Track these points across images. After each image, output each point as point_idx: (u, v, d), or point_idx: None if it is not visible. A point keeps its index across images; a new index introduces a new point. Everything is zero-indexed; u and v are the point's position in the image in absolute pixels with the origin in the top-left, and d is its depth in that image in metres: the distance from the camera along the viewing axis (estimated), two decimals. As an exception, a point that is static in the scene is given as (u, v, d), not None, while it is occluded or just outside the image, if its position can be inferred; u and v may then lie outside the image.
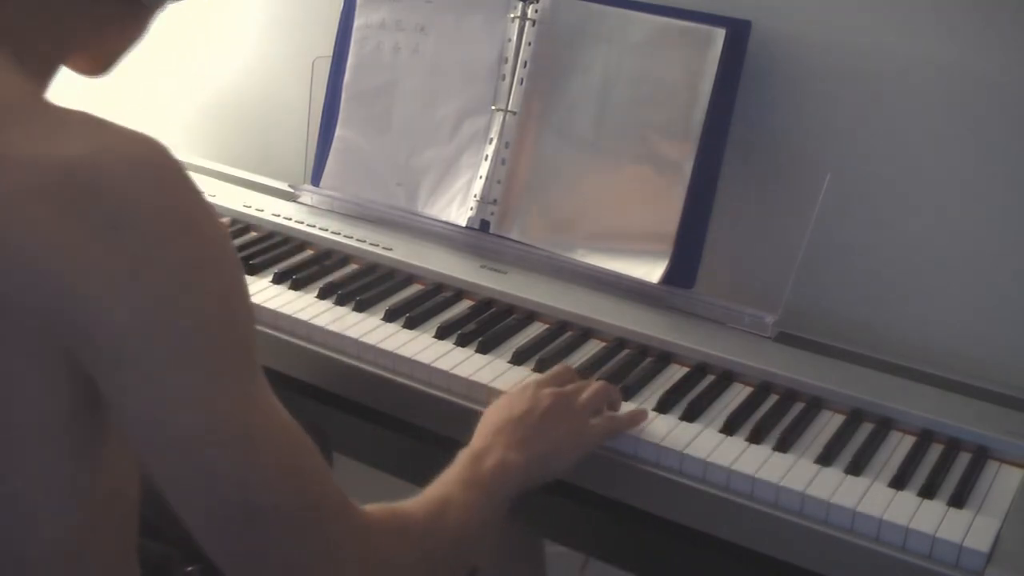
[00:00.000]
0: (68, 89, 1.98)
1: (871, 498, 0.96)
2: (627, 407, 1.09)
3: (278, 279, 1.33)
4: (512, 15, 1.36)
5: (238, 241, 1.44)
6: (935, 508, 0.95)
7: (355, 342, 1.19)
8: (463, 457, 0.95)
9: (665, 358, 1.19)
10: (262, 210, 1.48)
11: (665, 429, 1.06)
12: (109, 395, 0.70)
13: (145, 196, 0.67)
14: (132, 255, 0.66)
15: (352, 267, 1.38)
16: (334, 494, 0.77)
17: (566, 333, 1.24)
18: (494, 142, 1.37)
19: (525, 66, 1.35)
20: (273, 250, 1.41)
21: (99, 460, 0.75)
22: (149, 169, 0.68)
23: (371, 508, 0.81)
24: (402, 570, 0.81)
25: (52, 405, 0.71)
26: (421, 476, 0.92)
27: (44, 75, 0.78)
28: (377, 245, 1.38)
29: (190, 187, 0.70)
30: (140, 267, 0.67)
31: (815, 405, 1.11)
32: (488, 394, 1.10)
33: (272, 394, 0.74)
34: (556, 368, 1.09)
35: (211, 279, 0.70)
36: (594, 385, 1.05)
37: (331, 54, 1.48)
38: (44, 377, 0.69)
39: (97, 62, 0.82)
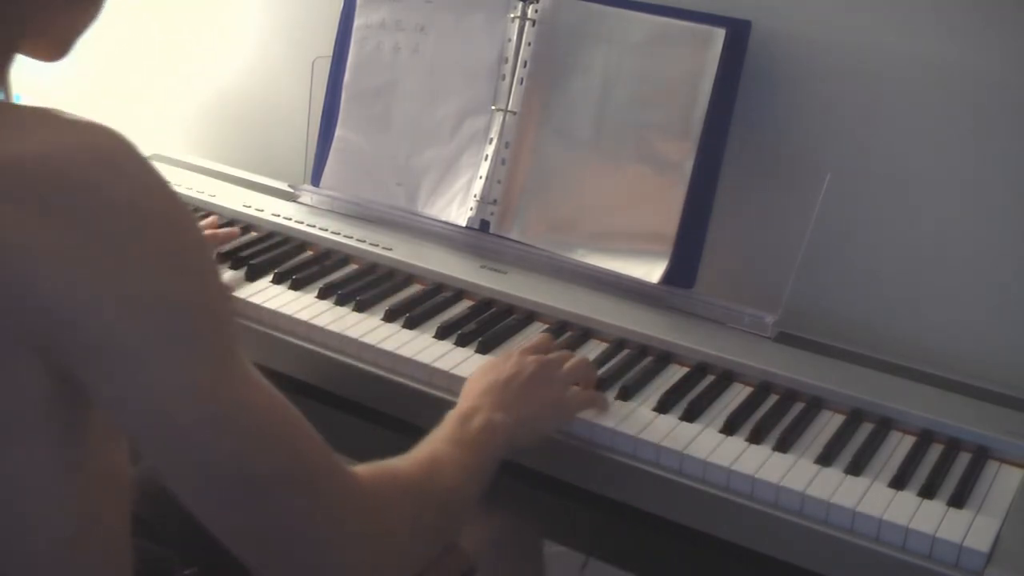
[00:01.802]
0: (69, 89, 1.99)
1: (871, 498, 0.96)
2: (627, 407, 1.09)
3: (278, 279, 1.33)
4: (512, 15, 1.36)
5: (238, 241, 1.44)
6: (935, 508, 0.95)
7: (355, 342, 1.19)
8: (450, 418, 0.96)
9: (665, 358, 1.19)
10: (262, 210, 1.48)
11: (665, 429, 1.06)
12: (91, 386, 0.70)
13: (108, 187, 0.67)
14: (100, 248, 0.66)
15: (352, 267, 1.38)
16: (325, 457, 0.77)
17: (566, 333, 1.24)
18: (494, 142, 1.37)
19: (525, 66, 1.35)
20: (273, 250, 1.41)
21: (86, 448, 0.75)
22: (110, 160, 0.68)
23: (363, 468, 0.82)
24: (398, 524, 0.82)
25: (32, 400, 0.71)
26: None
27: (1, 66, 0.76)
28: (377, 245, 1.38)
29: (152, 175, 0.70)
30: (110, 259, 0.66)
31: (815, 405, 1.11)
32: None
33: (253, 367, 0.75)
34: (538, 337, 1.11)
35: (183, 263, 0.70)
36: (575, 359, 1.07)
37: (331, 54, 1.48)
38: (21, 374, 0.69)
39: (53, 48, 0.81)
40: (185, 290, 0.70)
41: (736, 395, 1.13)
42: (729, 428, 1.06)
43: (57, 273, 0.66)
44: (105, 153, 0.68)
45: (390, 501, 0.82)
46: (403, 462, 0.87)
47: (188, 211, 0.73)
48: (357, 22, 1.46)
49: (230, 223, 1.48)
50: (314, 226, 1.43)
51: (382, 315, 1.24)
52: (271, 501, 0.74)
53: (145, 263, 0.68)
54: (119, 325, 0.67)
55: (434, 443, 0.92)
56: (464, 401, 1.00)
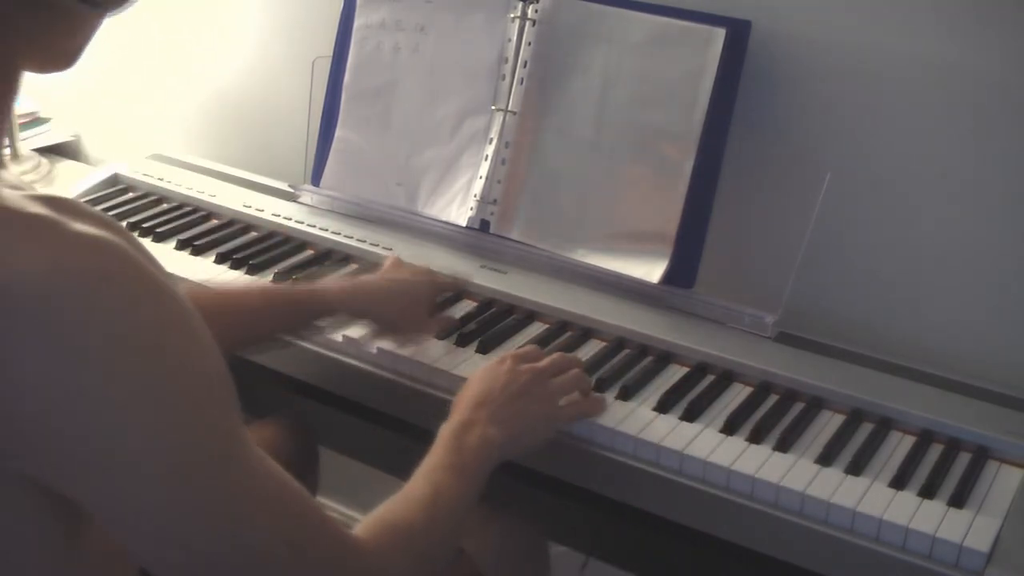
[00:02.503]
0: (70, 89, 1.99)
1: (871, 498, 0.96)
2: (627, 407, 1.09)
3: (278, 279, 1.33)
4: (512, 15, 1.36)
5: (238, 241, 1.44)
6: (935, 508, 0.95)
7: (355, 341, 1.19)
8: (446, 435, 0.96)
9: (665, 358, 1.19)
10: (262, 210, 1.48)
11: (665, 429, 1.06)
12: (80, 502, 0.70)
13: (97, 315, 0.64)
14: (91, 380, 0.64)
15: (352, 267, 1.38)
16: (333, 533, 0.77)
17: (566, 333, 1.24)
18: (494, 142, 1.37)
19: (525, 66, 1.35)
20: (273, 250, 1.41)
21: (80, 554, 0.75)
22: (102, 285, 0.65)
23: (366, 527, 0.82)
24: (403, 574, 0.82)
25: (28, 512, 0.70)
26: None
27: (5, 81, 0.75)
28: (377, 245, 1.38)
29: (149, 295, 0.67)
30: (101, 392, 0.65)
31: (815, 405, 1.11)
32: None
33: (253, 449, 0.73)
34: (526, 347, 1.10)
35: (178, 389, 0.68)
36: (568, 372, 1.06)
37: (331, 54, 1.48)
38: (15, 492, 0.69)
39: (58, 60, 0.78)
40: (184, 422, 0.68)
41: (736, 395, 1.13)
42: (729, 428, 1.06)
43: (48, 403, 0.64)
44: (104, 282, 0.65)
45: (395, 557, 0.82)
46: (405, 508, 0.86)
47: (187, 331, 0.70)
48: (357, 22, 1.46)
49: (230, 223, 1.48)
50: (314, 226, 1.43)
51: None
52: None
53: (141, 396, 0.66)
54: (114, 457, 0.66)
55: (433, 471, 0.91)
56: (458, 413, 0.99)
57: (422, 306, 1.20)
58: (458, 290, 1.29)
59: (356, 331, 1.19)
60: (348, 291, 1.17)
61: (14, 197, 0.67)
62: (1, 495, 0.69)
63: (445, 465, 0.92)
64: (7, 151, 1.79)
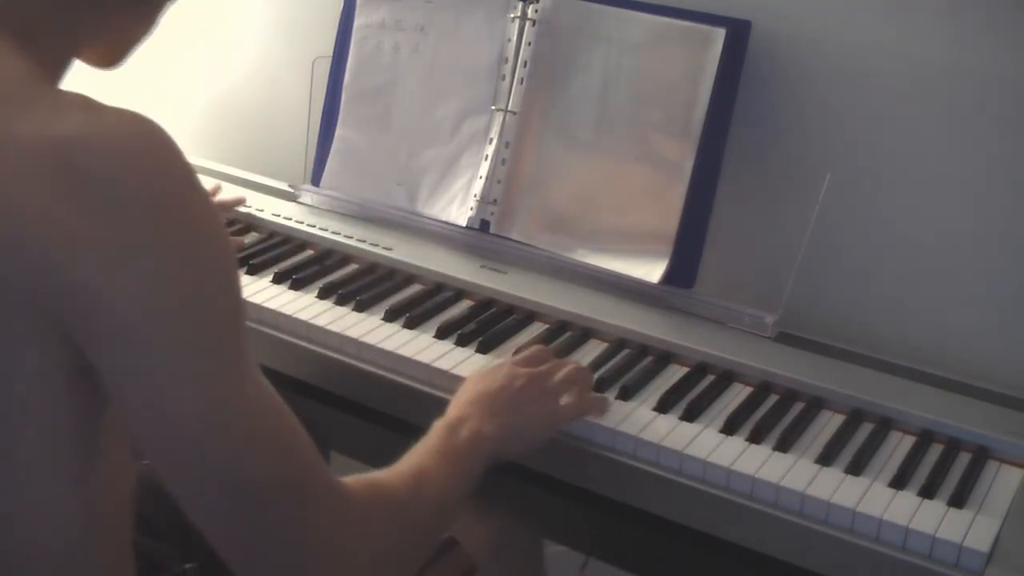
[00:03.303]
0: (73, 90, 1.97)
1: (871, 498, 0.96)
2: (627, 407, 1.09)
3: (278, 279, 1.33)
4: (512, 15, 1.36)
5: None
6: (935, 508, 0.95)
7: (355, 342, 1.19)
8: (438, 427, 0.96)
9: (665, 358, 1.19)
10: (262, 210, 1.48)
11: (665, 429, 1.06)
12: (106, 376, 0.71)
13: (136, 177, 0.68)
14: (125, 238, 0.67)
15: (352, 267, 1.38)
16: (319, 468, 0.78)
17: (566, 333, 1.24)
18: (494, 142, 1.37)
19: (525, 66, 1.35)
20: (273, 250, 1.41)
21: (97, 447, 0.76)
22: (142, 150, 0.69)
23: (351, 481, 0.82)
24: (385, 540, 0.83)
25: (51, 388, 0.72)
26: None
27: (56, 67, 0.79)
28: (377, 245, 1.38)
29: (183, 167, 0.71)
30: (133, 249, 0.67)
31: (815, 405, 1.11)
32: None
33: (260, 371, 0.76)
34: (532, 349, 1.10)
35: (204, 260, 0.71)
36: (567, 368, 1.06)
37: (331, 54, 1.48)
38: (43, 359, 0.70)
39: (108, 54, 0.83)
40: (204, 289, 0.71)
41: (736, 395, 1.13)
42: (729, 428, 1.06)
43: (79, 257, 0.67)
44: (138, 143, 0.69)
45: (377, 515, 0.82)
46: (390, 476, 0.87)
47: (214, 210, 0.73)
48: (357, 22, 1.46)
49: (230, 223, 1.48)
50: (314, 226, 1.43)
51: (382, 315, 1.24)
52: (262, 507, 0.74)
53: (166, 258, 0.69)
54: (135, 318, 0.68)
55: (421, 455, 0.92)
56: (452, 410, 0.99)
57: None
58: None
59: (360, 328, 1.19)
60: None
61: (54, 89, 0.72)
62: (37, 367, 0.71)
63: (431, 450, 0.93)
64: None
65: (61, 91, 0.72)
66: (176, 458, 0.73)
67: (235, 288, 0.74)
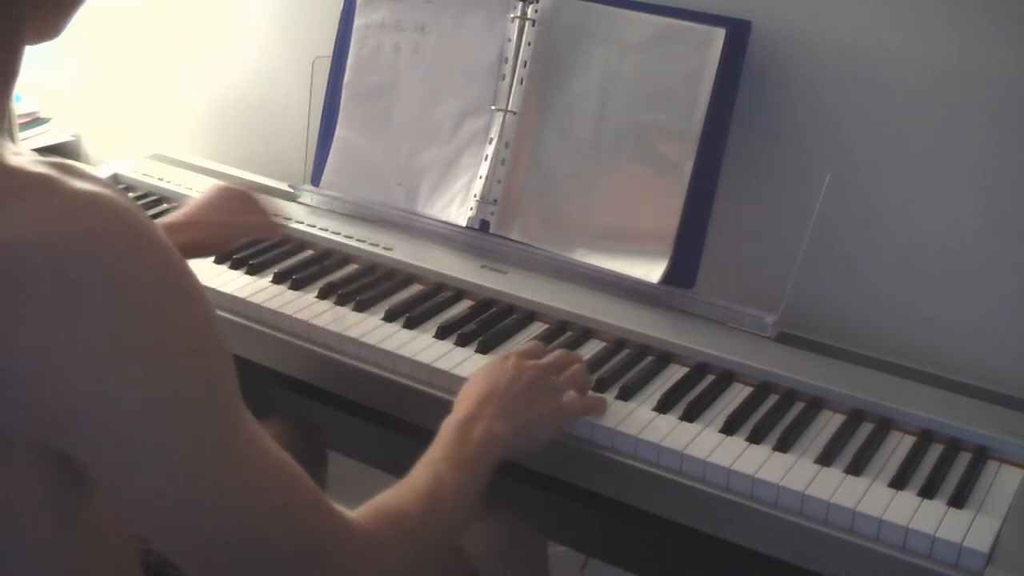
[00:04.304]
0: (71, 90, 1.98)
1: (871, 498, 0.96)
2: (627, 407, 1.09)
3: (278, 279, 1.33)
4: (512, 15, 1.36)
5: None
6: (935, 508, 0.95)
7: (355, 342, 1.19)
8: (449, 429, 0.95)
9: (665, 358, 1.19)
10: (262, 210, 1.48)
11: (665, 429, 1.06)
12: (88, 471, 0.70)
13: (98, 275, 0.64)
14: (92, 339, 0.64)
15: (352, 267, 1.38)
16: (329, 517, 0.77)
17: (566, 333, 1.24)
18: (494, 142, 1.37)
19: (525, 66, 1.35)
20: (273, 250, 1.41)
21: (87, 508, 0.75)
22: (102, 244, 0.64)
23: (363, 513, 0.81)
24: (402, 563, 0.82)
25: (32, 481, 0.70)
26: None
27: (8, 55, 0.74)
28: (377, 245, 1.38)
29: (148, 250, 0.67)
30: (103, 350, 0.64)
31: (815, 405, 1.11)
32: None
33: (256, 429, 0.73)
34: (528, 344, 1.09)
35: (177, 346, 0.67)
36: (571, 367, 1.06)
37: (331, 54, 1.49)
38: (21, 461, 0.69)
39: (47, 26, 0.77)
40: (182, 378, 0.68)
41: (736, 395, 1.13)
42: (729, 428, 1.06)
43: (47, 365, 0.64)
44: (101, 239, 0.64)
45: (393, 544, 0.81)
46: (404, 499, 0.85)
47: (188, 286, 0.70)
48: (357, 22, 1.46)
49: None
50: (314, 226, 1.43)
51: (382, 315, 1.24)
52: (276, 572, 0.73)
53: (139, 355, 0.66)
54: (113, 416, 0.66)
55: (435, 465, 0.90)
56: (462, 407, 0.98)
57: (239, 200, 1.25)
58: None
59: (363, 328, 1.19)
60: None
61: (16, 160, 0.67)
62: (8, 460, 0.68)
63: (447, 457, 0.91)
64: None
65: (16, 171, 0.66)
66: (175, 540, 0.71)
67: (214, 356, 0.71)
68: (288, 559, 0.73)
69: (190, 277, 0.70)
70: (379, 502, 0.84)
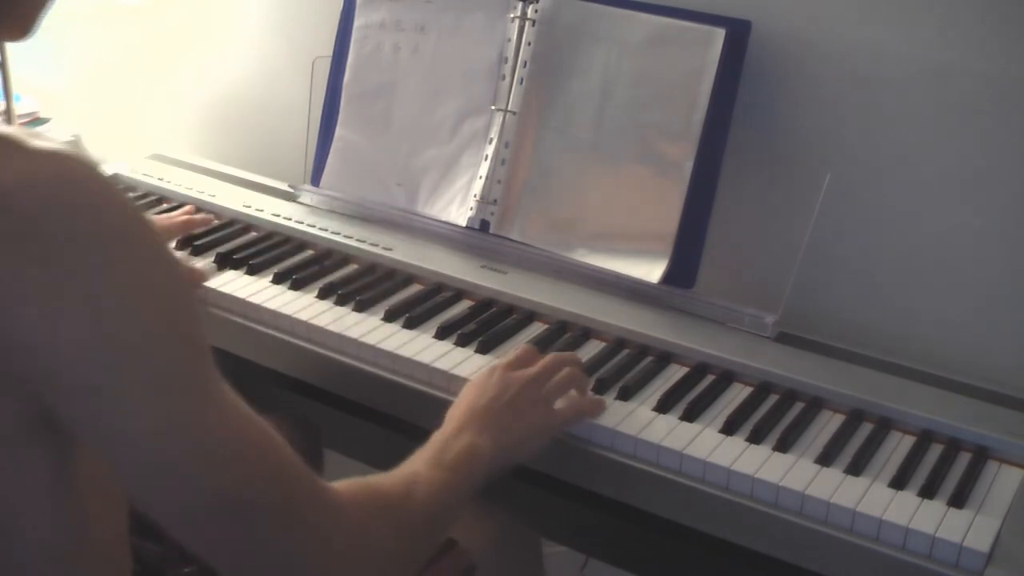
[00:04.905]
0: (72, 90, 1.98)
1: (871, 498, 0.96)
2: (627, 407, 1.09)
3: (278, 279, 1.33)
4: (512, 15, 1.36)
5: (238, 241, 1.44)
6: (935, 508, 0.95)
7: (355, 342, 1.19)
8: (434, 440, 0.96)
9: (665, 358, 1.19)
10: (262, 210, 1.48)
11: (665, 429, 1.06)
12: (68, 418, 0.70)
13: (72, 221, 0.66)
14: (69, 283, 0.65)
15: (352, 267, 1.38)
16: (306, 479, 0.77)
17: (566, 333, 1.24)
18: (494, 142, 1.37)
19: (525, 66, 1.35)
20: (273, 250, 1.41)
21: (75, 462, 0.75)
22: (74, 192, 0.66)
23: (343, 484, 0.82)
24: (381, 542, 0.82)
25: (16, 425, 0.70)
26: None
27: None
28: (377, 245, 1.38)
29: (119, 203, 0.68)
30: (79, 294, 0.66)
31: (815, 405, 1.11)
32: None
33: (229, 389, 0.74)
34: (520, 350, 1.09)
35: (152, 293, 0.69)
36: (561, 373, 1.05)
37: (331, 54, 1.48)
38: (3, 402, 0.69)
39: (18, 25, 0.78)
40: (157, 325, 0.69)
41: (736, 395, 1.13)
42: (729, 428, 1.06)
43: (26, 310, 0.65)
44: (69, 186, 0.66)
45: (371, 517, 0.82)
46: (382, 479, 0.87)
47: (156, 237, 0.71)
48: (357, 22, 1.46)
49: (230, 223, 1.48)
50: (314, 226, 1.43)
51: (382, 315, 1.24)
52: (255, 528, 0.74)
53: (115, 299, 0.67)
54: (92, 364, 0.67)
55: (415, 463, 0.92)
56: (449, 423, 0.99)
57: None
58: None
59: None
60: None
61: None
62: None
63: (426, 459, 0.93)
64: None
65: None
66: (154, 491, 0.72)
67: (188, 315, 0.72)
68: (267, 517, 0.74)
69: (156, 231, 0.71)
70: (358, 479, 0.85)
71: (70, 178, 0.67)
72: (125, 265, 0.68)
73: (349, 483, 0.83)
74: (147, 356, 0.68)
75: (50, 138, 0.69)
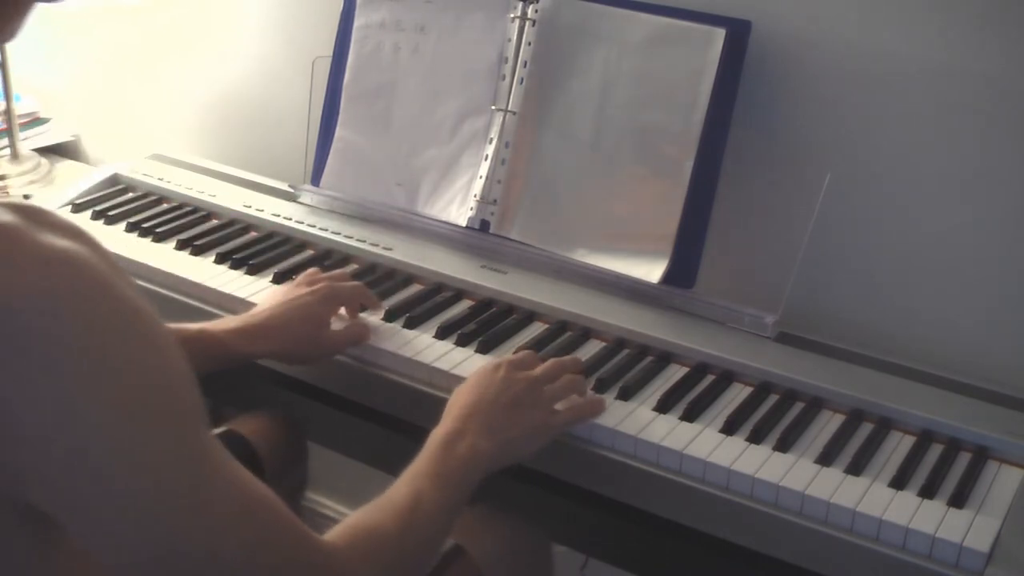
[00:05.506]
0: (72, 90, 1.98)
1: (871, 498, 0.96)
2: (627, 407, 1.09)
3: (278, 279, 1.33)
4: (512, 15, 1.36)
5: (238, 241, 1.44)
6: (935, 508, 0.96)
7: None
8: (434, 443, 0.95)
9: (665, 358, 1.19)
10: (262, 210, 1.48)
11: (665, 429, 1.06)
12: (55, 517, 0.70)
13: (56, 329, 0.64)
14: (50, 397, 0.64)
15: (352, 267, 1.38)
16: (298, 540, 0.76)
17: (566, 333, 1.24)
18: (494, 142, 1.37)
19: (525, 66, 1.35)
20: (273, 250, 1.41)
21: (62, 543, 0.75)
22: (63, 304, 0.65)
23: (339, 532, 0.82)
24: None
25: (6, 524, 0.70)
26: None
27: None
28: (377, 245, 1.38)
29: (109, 307, 0.67)
30: (63, 406, 0.65)
31: (815, 405, 1.11)
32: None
33: (223, 463, 0.73)
34: (522, 354, 1.09)
35: (139, 400, 0.68)
36: (563, 378, 1.05)
37: (331, 54, 1.49)
38: None
39: (2, 31, 0.78)
40: (145, 431, 0.68)
41: (736, 395, 1.13)
42: (729, 428, 1.06)
43: (8, 419, 0.64)
44: (62, 299, 0.65)
45: (366, 564, 0.81)
46: (382, 514, 0.86)
47: (150, 337, 0.69)
48: (357, 22, 1.46)
49: (230, 223, 1.48)
50: (314, 226, 1.43)
51: (382, 315, 1.24)
52: None
53: (100, 412, 0.66)
54: (76, 473, 0.66)
55: (417, 480, 0.91)
56: (448, 421, 0.98)
57: (316, 323, 1.16)
58: (361, 299, 1.23)
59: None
60: (236, 331, 1.12)
61: None
62: None
63: (429, 473, 0.92)
64: (6, 151, 1.79)
65: None
66: (143, 570, 0.71)
67: (182, 405, 0.71)
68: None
69: (156, 332, 0.70)
70: (356, 519, 0.84)
71: (53, 287, 0.65)
72: (112, 377, 0.66)
73: (347, 528, 0.83)
74: (135, 462, 0.67)
75: (57, 221, 0.68)
